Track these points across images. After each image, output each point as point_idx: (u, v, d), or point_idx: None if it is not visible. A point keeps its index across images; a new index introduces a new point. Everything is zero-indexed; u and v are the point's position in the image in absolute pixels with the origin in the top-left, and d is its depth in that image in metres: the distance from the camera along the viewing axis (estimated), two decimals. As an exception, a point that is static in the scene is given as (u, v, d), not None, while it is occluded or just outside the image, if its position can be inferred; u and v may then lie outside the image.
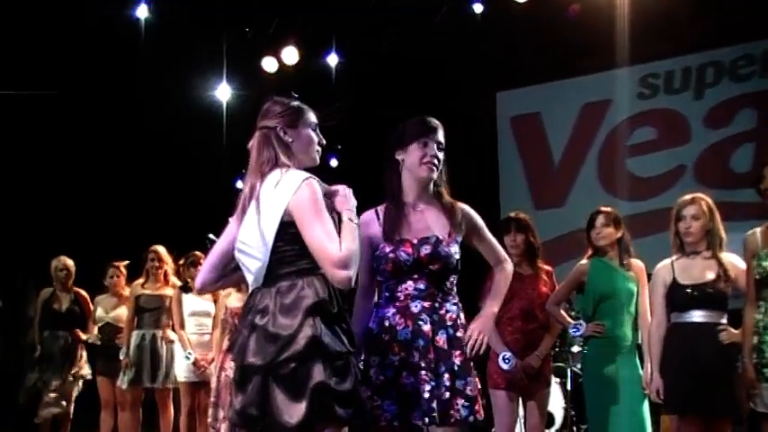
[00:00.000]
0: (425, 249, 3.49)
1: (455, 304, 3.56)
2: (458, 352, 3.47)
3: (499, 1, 9.27)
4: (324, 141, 3.30)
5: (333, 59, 10.24)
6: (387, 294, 3.57)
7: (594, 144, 9.94)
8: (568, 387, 7.68)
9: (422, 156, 3.57)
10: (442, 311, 3.51)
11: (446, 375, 3.42)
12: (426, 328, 3.45)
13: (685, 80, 9.71)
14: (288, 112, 3.24)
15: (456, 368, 3.44)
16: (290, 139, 3.20)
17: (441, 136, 3.62)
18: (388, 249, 3.52)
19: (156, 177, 10.36)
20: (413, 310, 3.48)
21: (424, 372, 3.39)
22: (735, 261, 5.00)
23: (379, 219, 3.62)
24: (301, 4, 9.55)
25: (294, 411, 2.85)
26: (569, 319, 5.57)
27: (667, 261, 5.16)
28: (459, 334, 3.50)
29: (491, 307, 3.66)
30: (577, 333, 5.51)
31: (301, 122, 3.24)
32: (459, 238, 3.60)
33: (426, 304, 3.49)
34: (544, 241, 5.88)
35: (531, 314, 5.39)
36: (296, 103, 3.29)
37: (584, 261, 5.54)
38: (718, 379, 4.83)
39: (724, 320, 4.98)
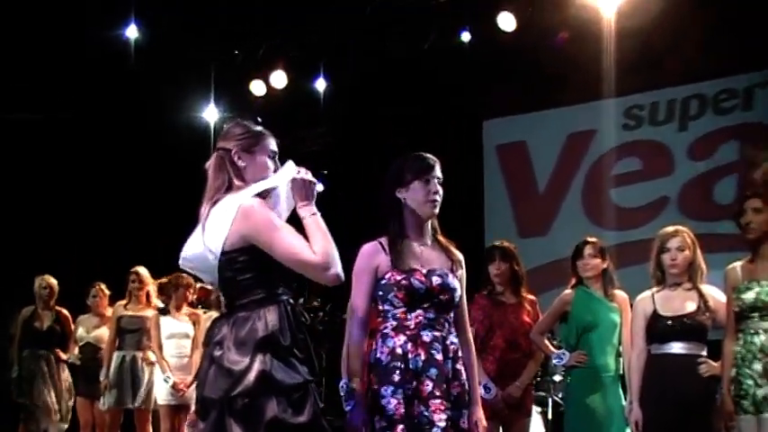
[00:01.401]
0: (436, 279, 3.49)
1: (456, 336, 3.57)
2: (456, 383, 3.48)
3: (486, 30, 9.32)
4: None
5: (321, 84, 10.27)
6: (394, 323, 3.52)
7: (579, 173, 9.99)
8: (549, 416, 7.68)
9: (426, 193, 3.56)
10: (448, 342, 3.51)
11: None
12: (439, 357, 3.44)
13: (669, 112, 9.79)
14: (246, 136, 3.19)
15: (452, 399, 3.44)
16: (244, 164, 3.14)
17: (439, 171, 3.61)
18: (399, 277, 3.49)
19: (142, 198, 10.33)
20: (425, 339, 3.46)
21: (438, 401, 3.39)
22: (715, 293, 5.04)
23: (384, 249, 3.59)
24: (290, 29, 9.60)
25: None
26: (552, 348, 5.58)
27: (648, 292, 5.19)
28: (458, 366, 3.51)
29: (478, 391, 3.71)
30: (560, 362, 5.52)
31: (258, 148, 3.18)
32: (458, 276, 3.61)
33: (437, 333, 3.48)
34: (528, 269, 5.90)
35: (514, 343, 5.40)
36: (258, 128, 3.24)
37: (568, 291, 5.57)
38: (697, 411, 4.86)
39: (704, 352, 5.00)
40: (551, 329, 5.89)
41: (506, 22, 9.04)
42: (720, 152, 9.28)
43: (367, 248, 3.60)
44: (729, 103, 9.40)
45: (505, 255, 5.52)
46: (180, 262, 3.19)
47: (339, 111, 10.41)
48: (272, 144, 3.24)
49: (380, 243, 3.62)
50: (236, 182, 3.11)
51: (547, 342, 5.60)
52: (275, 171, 3.21)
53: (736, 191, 8.66)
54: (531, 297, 5.64)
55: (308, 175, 3.13)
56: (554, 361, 5.60)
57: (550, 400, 7.70)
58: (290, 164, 3.18)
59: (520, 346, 5.41)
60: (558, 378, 7.60)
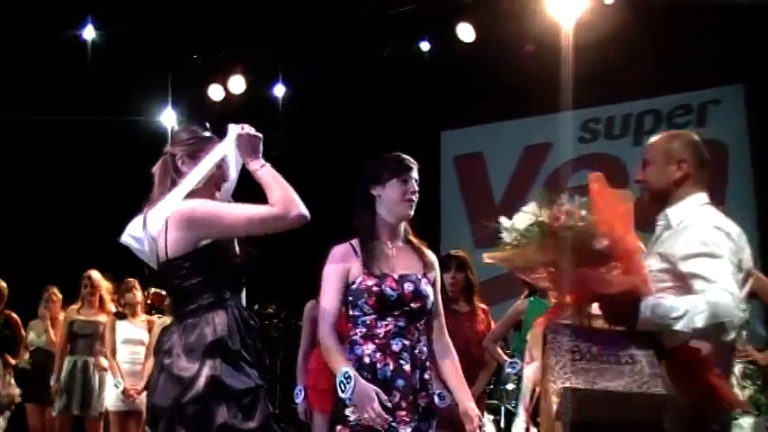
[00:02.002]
0: (408, 286, 3.43)
1: (425, 345, 3.50)
2: (423, 393, 3.44)
3: (446, 41, 9.37)
4: (227, 178, 3.22)
5: (279, 90, 10.25)
6: (363, 330, 3.45)
7: (535, 185, 10.04)
8: (502, 425, 7.72)
9: (403, 192, 3.52)
10: (417, 351, 3.44)
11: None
12: (407, 368, 3.38)
13: (625, 126, 9.92)
14: (192, 141, 3.16)
15: (420, 409, 3.40)
16: (187, 170, 3.12)
17: (417, 175, 3.58)
18: (370, 283, 3.42)
19: (97, 201, 10.23)
20: (394, 349, 3.39)
21: (404, 412, 3.34)
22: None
23: (356, 252, 3.51)
24: (249, 35, 9.57)
25: None
26: (505, 357, 5.62)
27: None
28: (426, 376, 3.46)
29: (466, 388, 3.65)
30: (513, 371, 5.57)
31: (204, 154, 3.14)
32: (431, 279, 3.57)
33: (406, 342, 3.41)
34: (483, 281, 5.93)
35: (466, 352, 5.40)
36: (206, 134, 3.22)
37: (522, 300, 5.62)
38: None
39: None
40: (504, 338, 5.93)
41: (465, 32, 9.09)
42: (674, 167, 9.40)
43: (338, 250, 3.52)
44: (683, 119, 9.53)
45: (460, 264, 5.55)
46: (122, 238, 3.18)
47: (297, 117, 10.40)
48: (230, 172, 3.21)
49: (351, 245, 3.55)
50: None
51: (500, 350, 5.65)
52: (222, 177, 3.19)
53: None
54: (484, 306, 5.68)
55: (252, 130, 3.13)
56: (507, 369, 5.64)
57: (503, 408, 7.73)
58: (231, 127, 3.16)
59: (472, 355, 5.42)
60: (510, 387, 7.64)
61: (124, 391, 7.14)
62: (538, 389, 2.62)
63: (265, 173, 3.05)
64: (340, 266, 3.47)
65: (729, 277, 2.72)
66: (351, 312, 3.50)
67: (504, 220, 2.74)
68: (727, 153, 9.08)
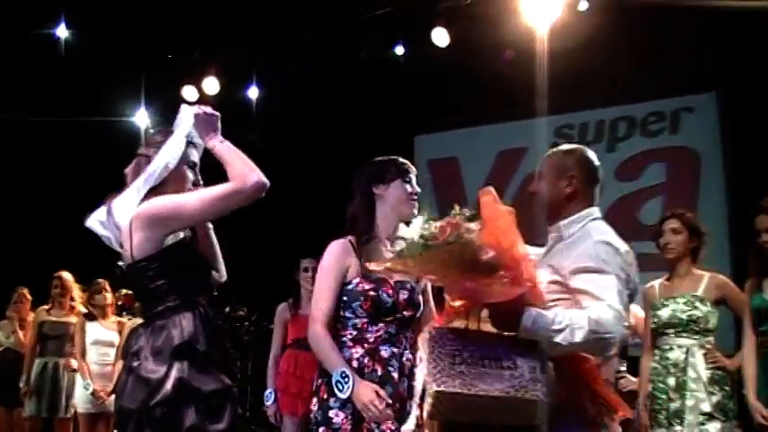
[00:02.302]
0: (403, 294, 3.44)
1: (411, 353, 3.49)
2: (410, 400, 3.43)
3: (420, 45, 9.36)
4: (200, 181, 3.19)
5: (253, 92, 10.22)
6: (353, 333, 3.45)
7: (509, 190, 10.05)
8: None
9: (407, 192, 3.58)
10: (404, 359, 3.44)
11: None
12: (395, 375, 3.37)
13: (598, 133, 9.94)
14: (165, 144, 3.13)
15: (407, 417, 3.39)
16: None
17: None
18: (367, 286, 3.42)
19: (68, 202, 10.14)
20: (383, 355, 3.40)
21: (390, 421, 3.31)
22: (635, 310, 5.16)
23: (355, 249, 3.52)
24: (223, 36, 9.53)
25: None
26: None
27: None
28: (414, 383, 3.45)
29: None
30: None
31: (177, 159, 3.12)
32: (422, 286, 3.57)
33: (395, 350, 3.42)
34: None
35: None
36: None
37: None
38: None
39: (623, 368, 5.12)
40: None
41: (440, 37, 9.09)
42: (647, 174, 9.45)
43: (337, 246, 3.51)
44: (657, 126, 9.57)
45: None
46: (88, 221, 3.20)
47: (271, 119, 10.36)
48: (193, 154, 3.19)
49: (350, 242, 3.55)
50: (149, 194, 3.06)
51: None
52: (194, 182, 3.17)
53: (662, 212, 8.82)
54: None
55: (208, 109, 3.11)
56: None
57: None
58: (185, 108, 3.14)
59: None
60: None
61: (94, 393, 7.09)
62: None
63: (224, 148, 3.04)
64: (338, 263, 3.47)
65: (615, 294, 2.81)
66: (342, 313, 3.49)
67: (401, 227, 2.83)
68: (700, 160, 9.13)
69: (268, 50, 9.66)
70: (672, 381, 4.76)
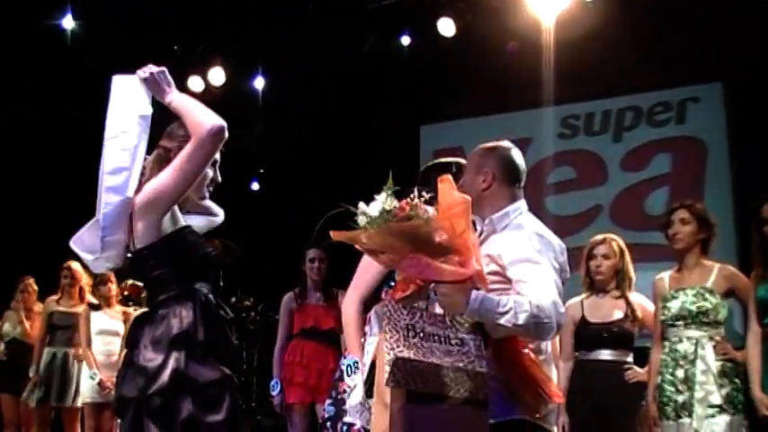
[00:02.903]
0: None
1: None
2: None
3: (426, 35, 9.35)
4: (219, 179, 3.18)
5: (259, 83, 10.21)
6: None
7: (515, 180, 10.04)
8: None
9: None
10: None
11: None
12: None
13: (605, 123, 9.92)
14: (187, 138, 3.06)
15: None
16: None
17: None
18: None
19: (75, 192, 10.15)
20: None
21: None
22: (642, 301, 5.16)
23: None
24: (230, 26, 9.52)
25: None
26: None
27: (577, 299, 5.29)
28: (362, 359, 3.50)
29: None
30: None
31: None
32: None
33: None
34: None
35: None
36: None
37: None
38: (622, 416, 4.96)
39: (629, 359, 5.12)
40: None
41: (446, 27, 9.08)
42: (653, 164, 9.43)
43: None
44: (663, 116, 9.55)
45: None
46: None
47: (278, 109, 10.36)
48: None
49: None
50: None
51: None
52: (213, 180, 3.17)
53: (667, 202, 8.82)
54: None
55: (152, 67, 3.17)
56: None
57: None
58: (122, 79, 3.21)
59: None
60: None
61: (100, 383, 7.11)
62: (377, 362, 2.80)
63: (180, 101, 3.10)
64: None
65: (551, 282, 2.99)
66: (377, 295, 3.61)
67: (361, 205, 2.87)
68: (706, 150, 9.11)
69: (274, 40, 9.65)
70: (681, 373, 4.75)
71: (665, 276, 5.04)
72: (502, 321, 2.79)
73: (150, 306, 3.05)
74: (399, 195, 2.88)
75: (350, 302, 3.61)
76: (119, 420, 6.91)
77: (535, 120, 10.02)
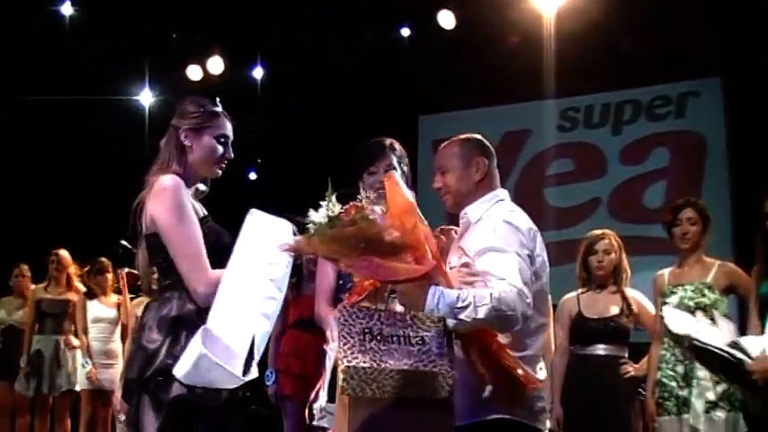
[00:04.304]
0: None
1: None
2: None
3: (426, 27, 9.34)
4: (231, 155, 3.16)
5: (258, 72, 10.19)
6: None
7: (513, 172, 10.04)
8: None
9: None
10: None
11: None
12: None
13: (604, 116, 9.92)
14: (196, 114, 3.09)
15: None
16: (189, 144, 3.07)
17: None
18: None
19: (73, 180, 10.16)
20: None
21: None
22: (638, 297, 5.16)
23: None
24: (229, 16, 9.50)
25: (150, 426, 2.81)
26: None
27: (573, 293, 5.29)
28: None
29: None
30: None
31: (208, 130, 3.09)
32: None
33: None
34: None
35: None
36: (213, 108, 3.14)
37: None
38: (617, 410, 4.96)
39: (625, 354, 5.11)
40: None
41: (446, 19, 9.07)
42: (652, 158, 9.43)
43: None
44: (662, 110, 9.55)
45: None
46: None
47: (277, 100, 10.35)
48: (225, 127, 3.15)
49: None
50: (174, 163, 3.05)
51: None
52: (224, 156, 3.14)
53: (665, 196, 8.83)
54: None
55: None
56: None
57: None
58: (257, 213, 3.04)
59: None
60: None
61: (89, 376, 7.14)
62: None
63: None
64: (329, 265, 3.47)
65: (516, 272, 2.89)
66: (338, 296, 3.53)
67: (311, 213, 2.92)
68: (705, 145, 9.11)
69: (273, 30, 9.63)
70: (681, 368, 4.75)
71: (666, 272, 5.05)
72: (462, 316, 2.75)
73: (159, 288, 3.05)
74: (348, 198, 2.87)
75: (321, 307, 3.55)
76: (116, 403, 6.96)
77: (535, 112, 10.03)
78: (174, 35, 9.94)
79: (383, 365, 2.69)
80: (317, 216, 2.86)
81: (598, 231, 5.40)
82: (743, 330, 4.85)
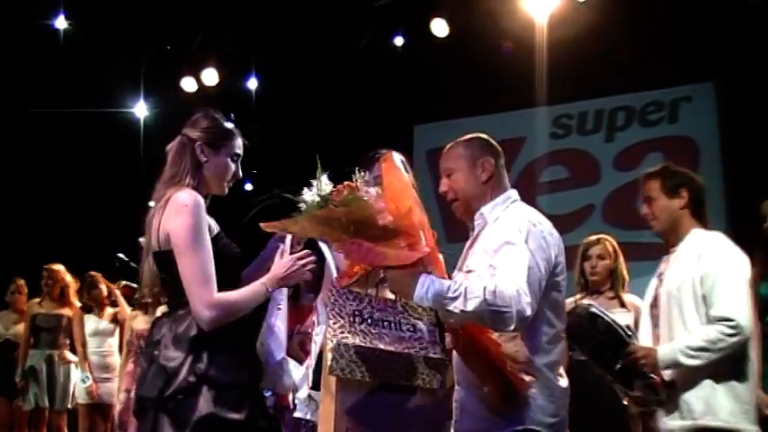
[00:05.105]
0: None
1: None
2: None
3: (420, 35, 9.36)
4: (240, 175, 3.14)
5: (252, 83, 10.20)
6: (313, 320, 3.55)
7: (509, 179, 10.04)
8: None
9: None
10: None
11: None
12: None
13: (597, 122, 9.95)
14: (214, 130, 3.07)
15: None
16: (205, 159, 3.04)
17: None
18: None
19: (69, 193, 10.15)
20: None
21: None
22: (636, 301, 5.16)
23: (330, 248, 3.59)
24: (223, 27, 9.52)
25: None
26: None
27: (570, 299, 5.29)
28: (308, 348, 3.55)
29: None
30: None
31: (224, 147, 3.08)
32: None
33: None
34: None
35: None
36: (229, 125, 3.13)
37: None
38: (613, 415, 4.97)
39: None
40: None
41: (439, 27, 9.09)
42: (645, 163, 9.41)
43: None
44: (655, 116, 9.58)
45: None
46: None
47: (271, 110, 10.35)
48: (239, 146, 3.14)
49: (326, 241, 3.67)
50: (189, 177, 3.00)
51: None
52: (234, 176, 3.12)
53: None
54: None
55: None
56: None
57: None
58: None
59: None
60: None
61: (90, 391, 7.14)
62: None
63: (255, 288, 2.98)
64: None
65: (524, 269, 2.78)
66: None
67: (305, 191, 2.81)
68: (698, 150, 9.13)
69: (267, 41, 9.65)
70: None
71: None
72: (451, 307, 2.64)
73: (170, 305, 3.01)
74: (343, 179, 2.79)
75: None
76: (116, 421, 6.95)
77: (528, 119, 10.04)
78: (169, 47, 9.95)
79: (373, 346, 2.62)
80: (309, 195, 2.77)
81: (593, 237, 5.42)
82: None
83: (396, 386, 2.65)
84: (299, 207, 2.83)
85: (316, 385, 3.04)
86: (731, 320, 3.47)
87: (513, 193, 3.20)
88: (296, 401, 3.38)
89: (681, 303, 3.66)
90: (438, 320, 2.78)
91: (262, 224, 2.81)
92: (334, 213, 2.66)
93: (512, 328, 2.73)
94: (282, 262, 2.97)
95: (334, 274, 3.24)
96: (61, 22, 9.20)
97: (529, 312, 2.72)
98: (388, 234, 2.68)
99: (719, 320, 3.49)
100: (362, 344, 2.60)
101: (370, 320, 2.69)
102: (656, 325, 3.87)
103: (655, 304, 3.91)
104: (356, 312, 2.68)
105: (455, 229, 3.15)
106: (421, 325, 2.75)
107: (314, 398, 3.20)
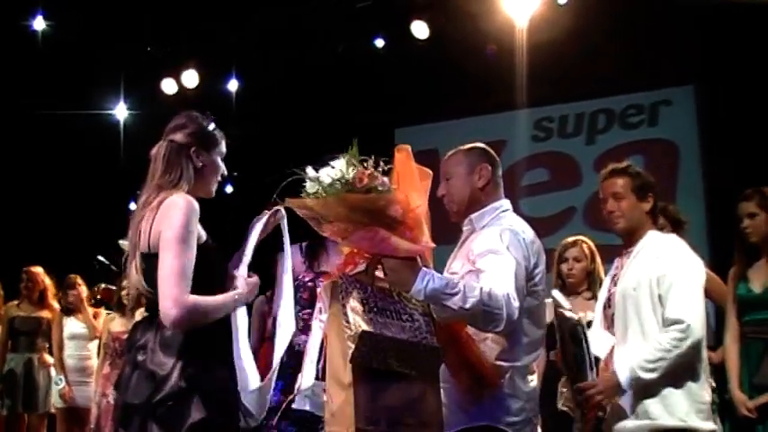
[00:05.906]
0: None
1: None
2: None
3: (400, 38, 9.36)
4: (225, 173, 3.14)
5: (233, 85, 10.17)
6: (300, 324, 3.57)
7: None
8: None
9: None
10: None
11: None
12: None
13: (578, 125, 9.98)
14: (204, 133, 3.06)
15: None
16: (201, 164, 3.02)
17: None
18: (307, 278, 3.65)
19: (48, 195, 10.08)
20: None
21: None
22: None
23: (302, 251, 3.76)
24: (203, 29, 9.48)
25: None
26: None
27: (548, 300, 5.29)
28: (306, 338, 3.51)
29: None
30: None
31: (216, 149, 3.08)
32: None
33: None
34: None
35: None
36: (213, 126, 3.12)
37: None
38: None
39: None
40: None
41: (420, 30, 9.09)
42: (626, 166, 9.49)
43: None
44: (636, 119, 9.62)
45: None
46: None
47: (252, 112, 10.32)
48: (224, 145, 3.15)
49: (300, 246, 3.87)
50: (184, 182, 2.97)
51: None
52: (221, 175, 3.12)
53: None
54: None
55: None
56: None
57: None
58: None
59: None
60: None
61: (63, 395, 7.09)
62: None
63: (228, 298, 3.00)
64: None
65: (511, 276, 2.91)
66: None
67: (310, 171, 2.84)
68: (678, 153, 9.18)
69: (248, 43, 9.63)
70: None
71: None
72: (449, 303, 2.71)
73: (151, 311, 2.93)
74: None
75: None
76: (92, 425, 6.90)
77: (509, 122, 10.06)
78: (149, 49, 9.90)
79: (383, 334, 2.67)
80: (325, 176, 2.77)
81: (570, 239, 5.44)
82: (720, 332, 4.88)
83: (401, 374, 2.70)
84: (301, 192, 2.84)
85: (321, 374, 3.04)
86: (682, 323, 3.51)
87: (505, 203, 3.34)
88: (297, 393, 3.37)
89: (638, 303, 3.70)
90: (429, 311, 2.84)
91: (288, 199, 2.85)
92: (356, 199, 2.70)
93: (500, 329, 2.83)
94: (253, 281, 3.06)
95: (289, 272, 3.25)
96: (39, 23, 9.13)
97: (516, 316, 2.83)
98: (397, 225, 2.74)
99: (672, 323, 3.53)
100: (377, 331, 2.66)
101: (375, 309, 2.74)
102: (609, 326, 3.94)
103: (608, 305, 3.99)
104: (364, 301, 2.73)
105: (437, 232, 3.16)
106: (417, 315, 2.82)
107: (316, 391, 3.20)
